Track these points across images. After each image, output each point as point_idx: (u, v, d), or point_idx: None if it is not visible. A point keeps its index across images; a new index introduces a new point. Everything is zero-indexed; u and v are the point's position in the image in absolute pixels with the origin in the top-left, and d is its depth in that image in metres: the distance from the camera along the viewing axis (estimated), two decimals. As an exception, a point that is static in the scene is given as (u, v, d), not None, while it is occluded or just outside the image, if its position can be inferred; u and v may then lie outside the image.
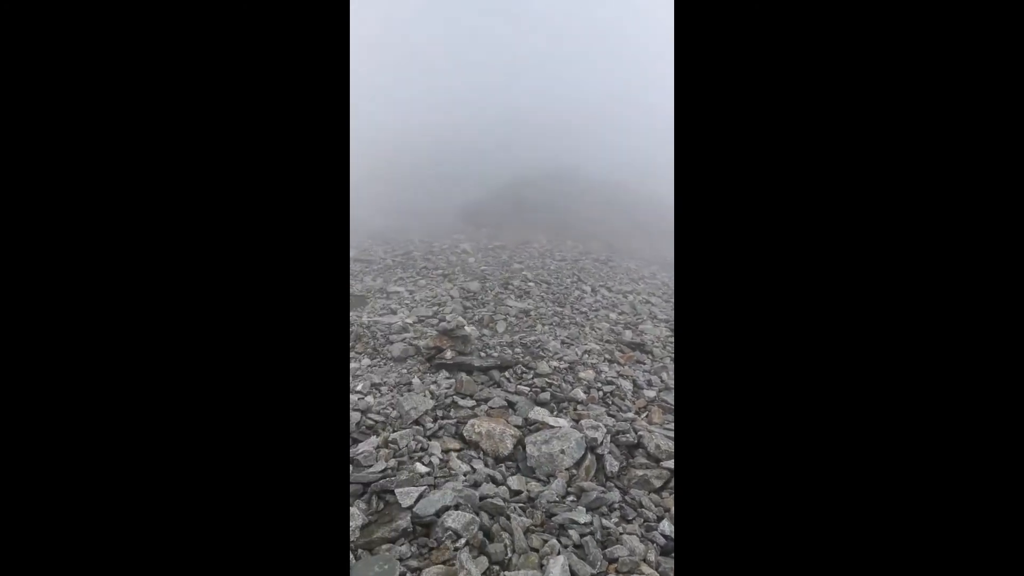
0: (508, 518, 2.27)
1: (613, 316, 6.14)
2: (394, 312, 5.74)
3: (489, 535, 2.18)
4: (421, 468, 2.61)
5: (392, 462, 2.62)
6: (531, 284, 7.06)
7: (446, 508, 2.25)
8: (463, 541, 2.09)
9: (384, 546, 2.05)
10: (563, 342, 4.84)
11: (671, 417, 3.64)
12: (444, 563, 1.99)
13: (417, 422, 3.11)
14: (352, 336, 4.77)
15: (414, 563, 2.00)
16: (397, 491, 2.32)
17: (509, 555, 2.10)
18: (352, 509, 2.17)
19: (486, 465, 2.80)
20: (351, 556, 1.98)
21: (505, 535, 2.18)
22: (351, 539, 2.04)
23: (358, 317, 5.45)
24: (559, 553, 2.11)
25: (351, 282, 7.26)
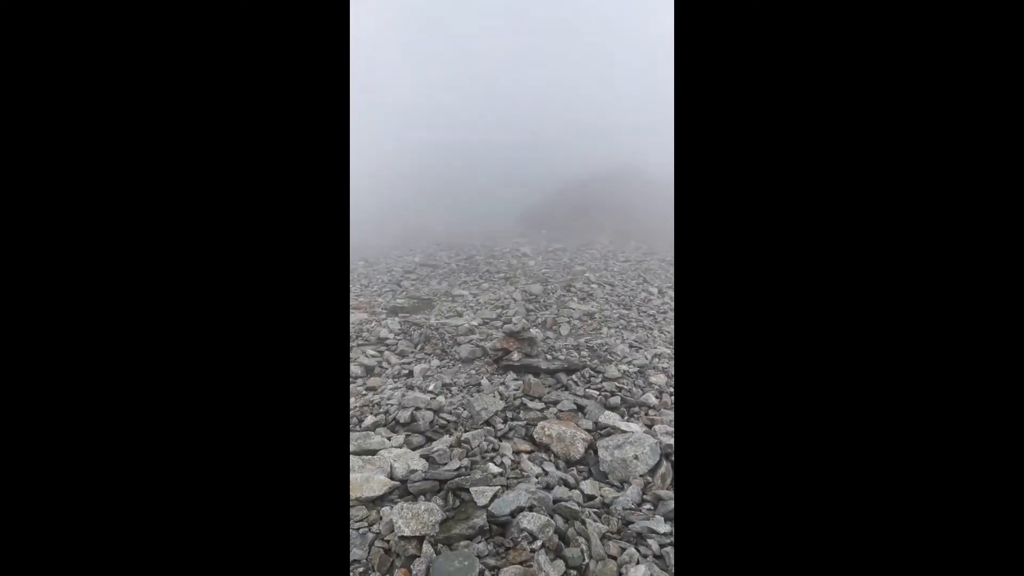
0: (583, 523, 2.24)
1: (682, 319, 5.87)
2: (460, 314, 5.89)
3: (565, 539, 2.15)
4: (494, 468, 2.64)
5: (466, 461, 2.68)
6: (594, 286, 6.95)
7: (520, 509, 2.25)
8: (539, 543, 2.08)
9: (462, 542, 2.09)
10: (631, 345, 4.70)
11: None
12: (521, 564, 2.00)
13: (488, 423, 3.15)
14: (422, 337, 4.95)
15: (491, 561, 2.02)
16: (472, 489, 2.37)
17: (586, 560, 2.06)
18: (431, 504, 2.24)
19: (557, 468, 2.78)
20: (431, 549, 2.04)
21: (581, 540, 2.15)
22: (431, 533, 2.10)
23: (426, 319, 5.65)
24: (639, 563, 2.04)
25: (418, 286, 7.55)
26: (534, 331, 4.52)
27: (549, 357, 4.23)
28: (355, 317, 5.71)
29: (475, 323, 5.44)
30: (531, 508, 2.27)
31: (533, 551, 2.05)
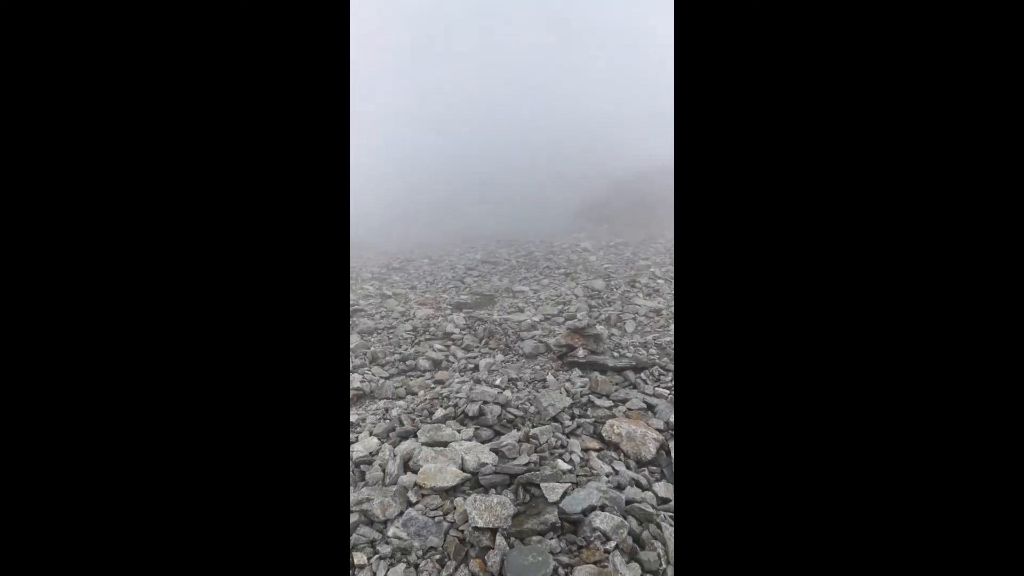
0: (659, 527, 2.15)
1: (758, 315, 5.50)
2: (521, 310, 5.91)
3: (640, 542, 2.09)
4: (563, 465, 2.62)
5: (534, 456, 2.68)
6: (660, 281, 6.69)
7: (592, 508, 2.21)
8: (613, 544, 2.03)
9: (534, 537, 2.09)
10: (702, 343, 4.47)
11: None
12: (595, 563, 1.96)
13: (555, 419, 3.13)
14: (486, 332, 5.03)
15: (564, 559, 2.00)
16: (542, 485, 2.36)
17: (664, 566, 1.98)
18: (503, 497, 2.26)
19: (628, 468, 2.70)
20: (504, 542, 2.06)
21: (657, 544, 2.07)
22: (503, 526, 2.12)
23: (489, 315, 5.73)
24: (721, 572, 1.93)
25: (480, 283, 7.68)
26: (599, 328, 4.43)
27: (616, 354, 4.13)
28: (422, 312, 5.91)
29: (537, 319, 5.43)
30: (603, 508, 2.22)
31: (607, 552, 2.00)
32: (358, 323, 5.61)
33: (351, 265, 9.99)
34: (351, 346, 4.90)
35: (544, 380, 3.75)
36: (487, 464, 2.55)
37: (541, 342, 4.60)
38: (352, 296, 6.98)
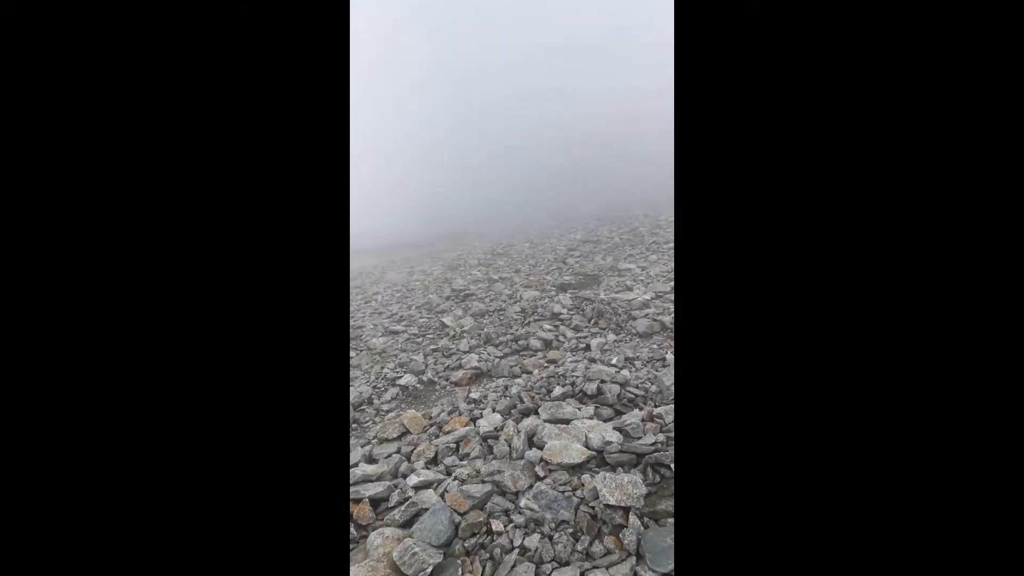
0: (816, 518, 1.93)
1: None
2: (630, 288, 5.70)
3: (793, 533, 1.89)
4: (693, 447, 2.47)
5: (660, 436, 2.56)
6: (789, 250, 5.94)
7: (733, 493, 2.06)
8: (761, 533, 1.87)
9: (670, 519, 2.01)
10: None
11: None
12: (743, 552, 1.82)
13: (680, 399, 2.97)
14: (594, 312, 4.94)
15: (706, 544, 1.89)
16: (674, 467, 2.25)
17: (826, 562, 1.77)
18: (634, 476, 2.21)
19: (770, 453, 2.46)
20: (638, 521, 2.01)
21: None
22: (636, 505, 2.07)
23: (595, 295, 5.62)
24: None
25: (583, 263, 7.56)
26: (721, 302, 4.08)
27: (742, 331, 3.78)
28: (528, 295, 6.01)
29: (647, 297, 5.19)
30: (746, 494, 2.05)
31: (755, 540, 1.85)
32: (471, 307, 5.89)
33: (459, 254, 10.50)
34: (465, 328, 5.17)
35: (663, 359, 3.57)
36: (612, 443, 2.51)
37: (655, 320, 4.39)
38: (463, 282, 7.34)
